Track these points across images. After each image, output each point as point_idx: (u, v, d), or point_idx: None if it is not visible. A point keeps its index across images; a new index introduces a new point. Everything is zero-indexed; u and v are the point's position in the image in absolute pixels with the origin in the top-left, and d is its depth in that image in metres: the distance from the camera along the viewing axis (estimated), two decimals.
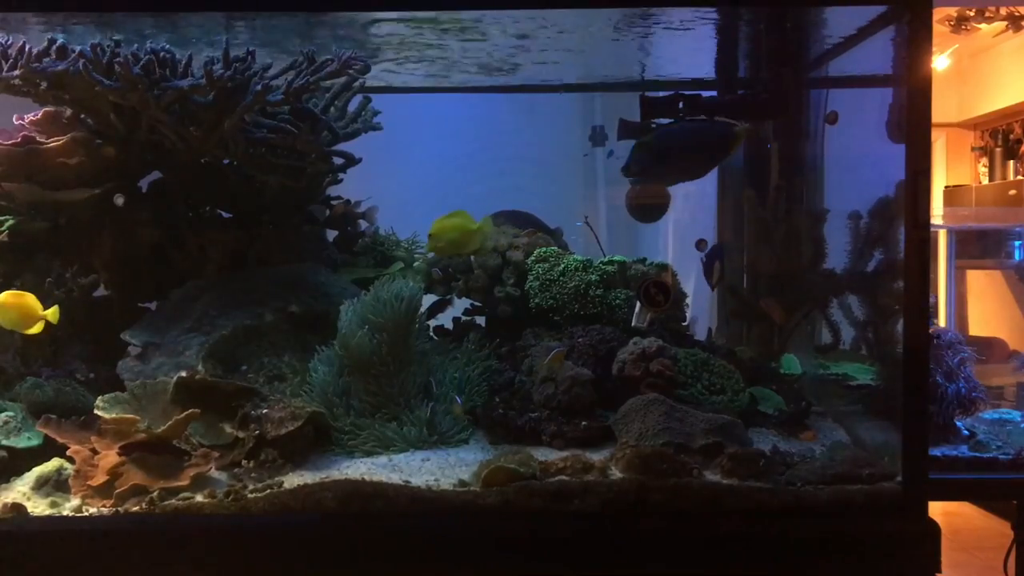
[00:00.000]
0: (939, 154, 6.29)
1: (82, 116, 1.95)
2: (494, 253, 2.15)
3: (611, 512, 1.56)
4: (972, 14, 4.88)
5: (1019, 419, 2.04)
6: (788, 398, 1.94)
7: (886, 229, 1.90)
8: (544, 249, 2.16)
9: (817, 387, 2.10)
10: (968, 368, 1.93)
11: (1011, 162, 5.83)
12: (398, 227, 2.39)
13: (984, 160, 6.15)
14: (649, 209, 2.25)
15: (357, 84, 2.05)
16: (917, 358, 1.56)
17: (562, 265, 2.10)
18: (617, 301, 2.05)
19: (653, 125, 2.10)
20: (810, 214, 2.16)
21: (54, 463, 1.66)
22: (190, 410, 1.65)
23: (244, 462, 1.65)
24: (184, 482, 1.59)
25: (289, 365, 1.90)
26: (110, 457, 1.62)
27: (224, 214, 2.18)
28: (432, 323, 2.17)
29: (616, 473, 1.62)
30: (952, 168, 6.32)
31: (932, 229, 1.56)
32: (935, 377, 1.88)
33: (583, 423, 1.78)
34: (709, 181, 2.52)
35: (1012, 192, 5.29)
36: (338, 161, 2.11)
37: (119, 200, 2.01)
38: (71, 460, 1.64)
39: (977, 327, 3.96)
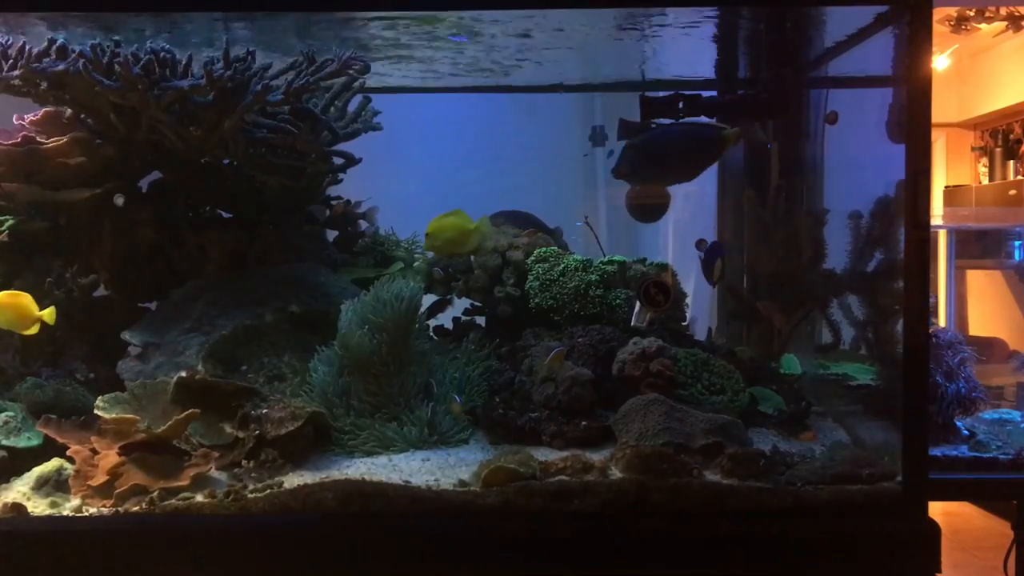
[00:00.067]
0: (939, 154, 6.29)
1: (82, 116, 1.95)
2: (494, 253, 2.15)
3: (611, 512, 1.56)
4: (972, 14, 4.88)
5: (1019, 419, 2.04)
6: (788, 398, 1.94)
7: (886, 229, 1.90)
8: (544, 249, 2.16)
9: (817, 387, 2.10)
10: (968, 368, 1.93)
11: (1011, 162, 5.83)
12: (398, 227, 2.39)
13: (984, 160, 6.15)
14: (649, 209, 2.25)
15: (357, 84, 2.06)
16: (917, 358, 1.56)
17: (562, 265, 2.10)
18: (617, 301, 2.05)
19: (653, 125, 2.11)
20: (810, 214, 2.16)
21: (54, 463, 1.66)
22: (190, 410, 1.65)
23: (244, 462, 1.65)
24: (184, 482, 1.59)
25: (289, 365, 1.90)
26: (110, 457, 1.62)
27: (224, 214, 2.18)
28: (432, 323, 2.17)
29: (616, 473, 1.62)
30: (952, 168, 6.32)
31: (932, 229, 1.56)
32: (935, 377, 1.88)
33: (583, 423, 1.78)
34: (709, 181, 2.52)
35: (1012, 192, 5.29)
36: (338, 161, 2.11)
37: (119, 200, 2.01)
38: (71, 460, 1.64)
39: (977, 327, 3.96)
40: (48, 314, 1.84)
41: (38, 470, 1.65)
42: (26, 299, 1.83)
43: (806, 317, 2.20)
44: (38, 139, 1.93)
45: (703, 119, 2.14)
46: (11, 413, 1.75)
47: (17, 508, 1.55)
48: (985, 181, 6.02)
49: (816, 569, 1.57)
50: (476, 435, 1.85)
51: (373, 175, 2.24)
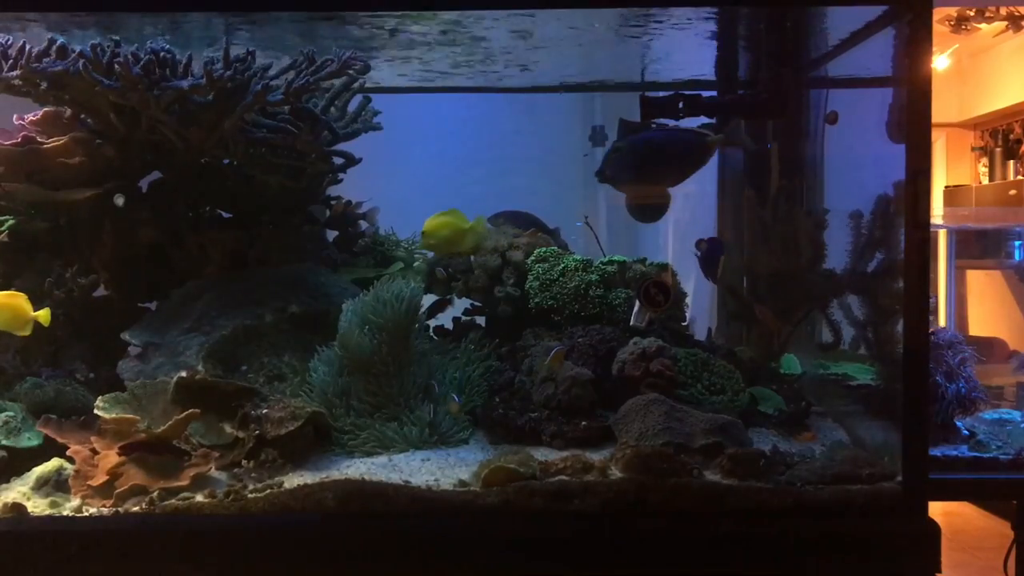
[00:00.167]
0: (939, 154, 6.29)
1: (82, 116, 1.95)
2: (494, 253, 2.15)
3: (611, 512, 1.56)
4: (972, 14, 4.88)
5: (1019, 419, 2.04)
6: (788, 398, 1.94)
7: (886, 229, 1.90)
8: (544, 249, 2.16)
9: (817, 387, 2.10)
10: (968, 368, 1.93)
11: (1011, 162, 5.83)
12: (398, 227, 2.39)
13: (984, 160, 6.15)
14: (649, 209, 2.25)
15: (357, 84, 2.06)
16: (917, 358, 1.56)
17: (562, 265, 2.10)
18: (617, 301, 2.05)
19: (653, 125, 2.11)
20: (810, 214, 2.16)
21: (54, 463, 1.66)
22: (190, 410, 1.65)
23: (244, 462, 1.65)
24: (184, 482, 1.59)
25: (289, 365, 1.90)
26: (110, 457, 1.62)
27: (224, 214, 2.18)
28: (432, 323, 2.17)
29: (616, 473, 1.62)
30: (952, 168, 6.32)
31: (932, 229, 1.56)
32: (935, 377, 1.88)
33: (583, 423, 1.78)
34: (709, 181, 2.52)
35: (1012, 192, 5.29)
36: (338, 161, 2.11)
37: (119, 200, 2.01)
38: (71, 460, 1.64)
39: (977, 327, 3.96)
40: (43, 315, 1.84)
41: (38, 470, 1.65)
42: (21, 299, 1.83)
43: (806, 317, 2.20)
44: (38, 139, 1.93)
45: (703, 120, 2.14)
46: (11, 413, 1.75)
47: (17, 508, 1.55)
48: (985, 181, 6.02)
49: (816, 569, 1.57)
50: (476, 435, 1.85)
51: (373, 175, 2.24)
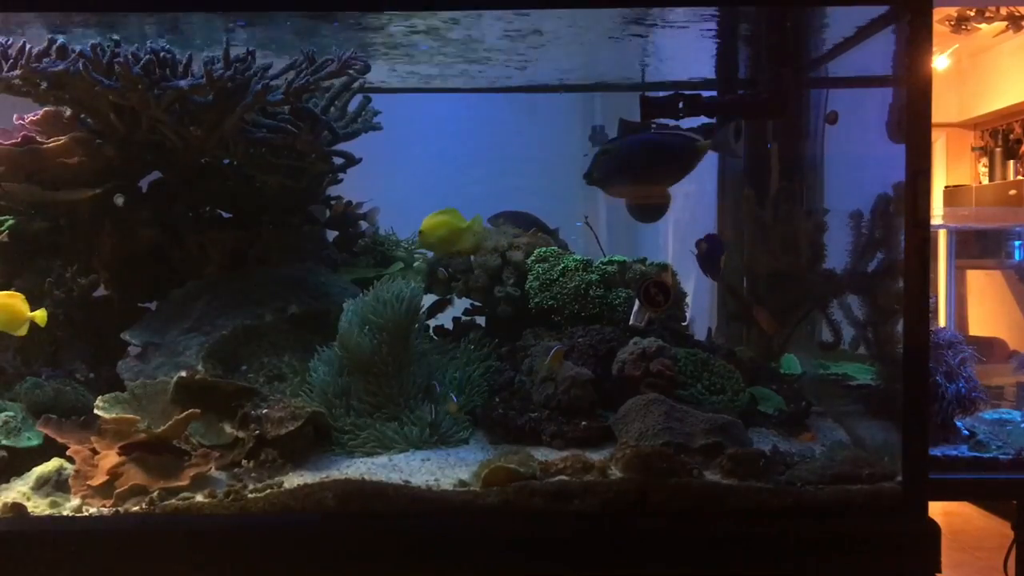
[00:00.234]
0: (939, 154, 6.29)
1: (82, 116, 1.95)
2: (494, 253, 2.15)
3: (611, 512, 1.56)
4: (972, 14, 4.88)
5: (1019, 419, 2.04)
6: (788, 398, 1.94)
7: (886, 229, 1.90)
8: (544, 249, 2.16)
9: (817, 387, 2.10)
10: (968, 368, 1.93)
11: (1011, 162, 5.83)
12: (398, 227, 2.40)
13: (984, 160, 6.15)
14: (649, 209, 2.25)
15: (357, 84, 2.06)
16: (917, 358, 1.56)
17: (562, 265, 2.10)
18: (617, 301, 2.05)
19: (653, 125, 2.11)
20: (810, 214, 2.16)
21: (54, 463, 1.66)
22: (190, 410, 1.65)
23: (244, 462, 1.65)
24: (184, 482, 1.59)
25: (289, 365, 1.90)
26: (110, 457, 1.62)
27: (224, 214, 2.18)
28: (432, 323, 2.17)
29: (616, 473, 1.62)
30: (952, 168, 6.32)
31: (932, 229, 1.56)
32: (935, 377, 1.88)
33: (583, 423, 1.78)
34: (709, 181, 2.52)
35: (1012, 192, 5.29)
36: (338, 161, 2.11)
37: (119, 200, 2.01)
38: (71, 460, 1.64)
39: (977, 327, 3.96)
40: (40, 315, 1.84)
41: (38, 470, 1.65)
42: (18, 300, 1.83)
43: (805, 318, 2.20)
44: (38, 139, 1.93)
45: (702, 120, 2.14)
46: (11, 413, 1.75)
47: (17, 508, 1.55)
48: (985, 181, 6.02)
49: (816, 569, 1.57)
50: (476, 435, 1.85)
51: (373, 175, 2.24)
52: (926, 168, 1.53)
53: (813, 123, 2.25)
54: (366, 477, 1.61)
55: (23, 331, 1.83)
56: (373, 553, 1.55)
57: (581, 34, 2.01)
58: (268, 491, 1.57)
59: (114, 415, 1.67)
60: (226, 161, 2.04)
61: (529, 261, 2.14)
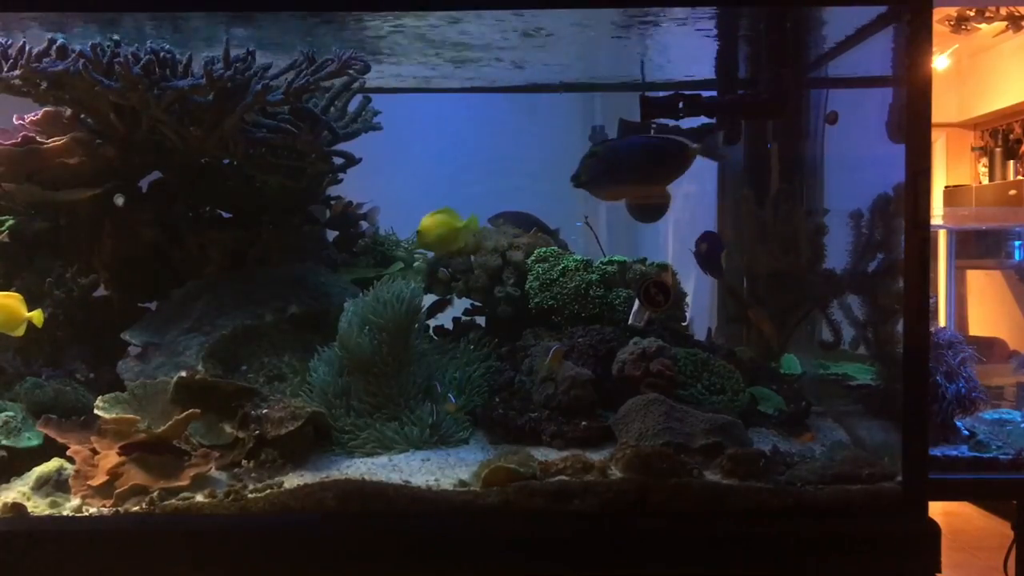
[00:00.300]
0: (939, 154, 6.29)
1: (82, 116, 1.95)
2: (494, 253, 2.15)
3: (611, 512, 1.56)
4: (972, 14, 4.88)
5: (1019, 419, 2.04)
6: (788, 398, 1.94)
7: (886, 229, 1.90)
8: (544, 249, 2.16)
9: (817, 387, 2.10)
10: (968, 368, 1.93)
11: (1011, 162, 5.84)
12: (398, 227, 2.40)
13: (984, 160, 6.15)
14: (649, 209, 2.25)
15: (357, 84, 2.06)
16: (917, 358, 1.56)
17: (562, 265, 2.10)
18: (617, 301, 2.05)
19: (653, 125, 2.11)
20: (811, 213, 2.16)
21: (54, 463, 1.66)
22: (190, 410, 1.65)
23: (244, 462, 1.65)
24: (184, 482, 1.59)
25: (289, 365, 1.90)
26: (110, 457, 1.62)
27: (224, 214, 2.18)
28: (432, 323, 2.17)
29: (616, 473, 1.62)
30: (952, 168, 6.32)
31: (932, 229, 1.56)
32: (935, 377, 1.88)
33: (583, 423, 1.78)
34: (709, 180, 2.52)
35: (1012, 192, 5.29)
36: (338, 161, 2.11)
37: (119, 200, 2.01)
38: (71, 460, 1.64)
39: (977, 327, 3.95)
40: (36, 316, 1.84)
41: (38, 470, 1.65)
42: (15, 300, 1.83)
43: (805, 318, 2.20)
44: (38, 139, 1.93)
45: (703, 120, 2.14)
46: (11, 413, 1.75)
47: (17, 508, 1.55)
48: (985, 181, 6.02)
49: (816, 569, 1.57)
50: (476, 435, 1.85)
51: (373, 175, 2.24)
52: (926, 168, 1.53)
53: (813, 123, 2.24)
54: (366, 477, 1.61)
55: (20, 331, 1.83)
56: (373, 553, 1.55)
57: (581, 33, 2.00)
58: (268, 491, 1.57)
59: (114, 415, 1.67)
60: (226, 161, 2.04)
61: (529, 261, 2.14)
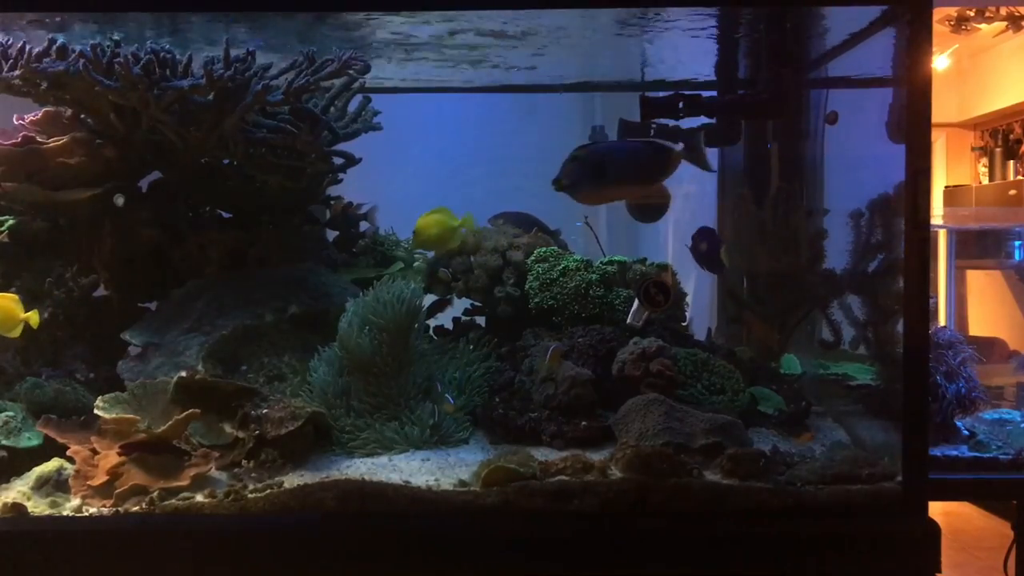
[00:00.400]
0: (939, 154, 6.29)
1: (82, 116, 1.95)
2: (494, 253, 2.15)
3: (611, 512, 1.56)
4: (972, 14, 4.88)
5: (1019, 419, 2.04)
6: (788, 398, 1.94)
7: (886, 229, 1.90)
8: (544, 249, 2.16)
9: (817, 387, 2.10)
10: (968, 368, 1.93)
11: (1011, 162, 5.84)
12: (398, 227, 2.40)
13: (984, 160, 6.15)
14: (649, 209, 2.25)
15: (357, 84, 2.06)
16: (917, 358, 1.56)
17: (562, 265, 2.10)
18: (617, 301, 2.05)
19: (653, 125, 2.10)
20: (811, 214, 2.16)
21: (54, 463, 1.66)
22: (190, 410, 1.65)
23: (244, 462, 1.65)
24: (184, 482, 1.59)
25: (289, 365, 1.90)
26: (110, 457, 1.62)
27: (224, 214, 2.18)
28: (432, 323, 2.17)
29: (616, 473, 1.62)
30: (952, 168, 6.32)
31: (932, 229, 1.56)
32: (935, 377, 1.88)
33: (583, 423, 1.78)
34: (709, 181, 2.52)
35: (1012, 192, 5.29)
36: (338, 161, 2.11)
37: (119, 200, 2.01)
38: (71, 460, 1.64)
39: (977, 327, 3.95)
40: (32, 316, 1.84)
41: (38, 470, 1.65)
42: (11, 300, 1.83)
43: (804, 319, 2.20)
44: (38, 139, 1.93)
45: (703, 119, 2.14)
46: (11, 413, 1.75)
47: (17, 508, 1.55)
48: (985, 181, 6.02)
49: (816, 569, 1.57)
50: (476, 435, 1.85)
51: (373, 175, 2.24)
52: (926, 168, 1.53)
53: (813, 123, 2.24)
54: (366, 477, 1.61)
55: (16, 332, 1.83)
56: (373, 553, 1.55)
57: (581, 33, 2.00)
58: (268, 491, 1.57)
59: (114, 415, 1.67)
60: (226, 161, 2.04)
61: (529, 261, 2.14)
